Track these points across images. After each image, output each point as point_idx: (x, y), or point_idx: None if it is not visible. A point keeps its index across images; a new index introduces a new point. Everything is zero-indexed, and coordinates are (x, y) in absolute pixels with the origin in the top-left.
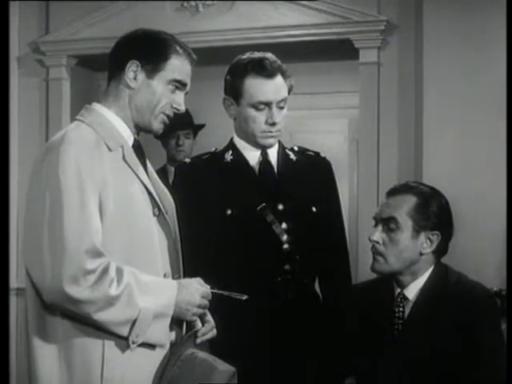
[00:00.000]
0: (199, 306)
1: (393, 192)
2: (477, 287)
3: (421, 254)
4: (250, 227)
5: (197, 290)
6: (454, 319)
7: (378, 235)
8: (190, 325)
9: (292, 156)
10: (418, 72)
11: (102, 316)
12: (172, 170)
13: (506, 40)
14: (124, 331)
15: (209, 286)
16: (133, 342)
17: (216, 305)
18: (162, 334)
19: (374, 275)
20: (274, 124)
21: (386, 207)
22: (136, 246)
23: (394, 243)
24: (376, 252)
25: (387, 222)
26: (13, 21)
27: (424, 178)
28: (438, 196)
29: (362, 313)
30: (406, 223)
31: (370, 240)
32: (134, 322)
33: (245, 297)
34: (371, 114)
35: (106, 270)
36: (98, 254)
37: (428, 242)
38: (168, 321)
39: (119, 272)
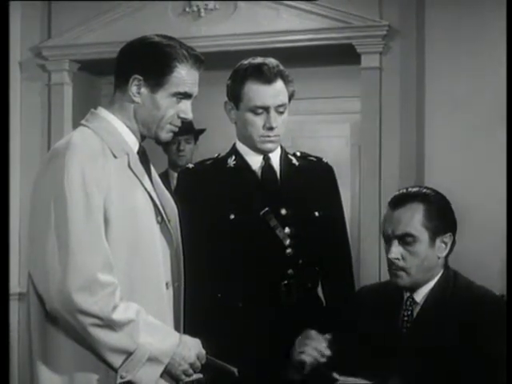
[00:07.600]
0: (191, 366)
1: (398, 203)
2: (485, 292)
3: (438, 258)
4: (253, 232)
5: (194, 348)
6: (460, 323)
7: (397, 251)
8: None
9: (294, 161)
10: (419, 77)
11: (98, 333)
12: (174, 174)
13: (506, 41)
14: (116, 361)
15: (204, 352)
16: (121, 377)
17: (220, 308)
18: (151, 381)
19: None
20: (271, 129)
21: (397, 223)
22: (139, 254)
23: (414, 255)
24: (397, 268)
25: (402, 238)
26: (15, 26)
27: (426, 183)
28: (440, 196)
29: (370, 314)
30: (422, 234)
31: (389, 259)
32: (129, 355)
33: (236, 373)
34: (373, 119)
35: (114, 292)
36: (110, 267)
37: (443, 245)
38: (161, 369)
39: (127, 304)
